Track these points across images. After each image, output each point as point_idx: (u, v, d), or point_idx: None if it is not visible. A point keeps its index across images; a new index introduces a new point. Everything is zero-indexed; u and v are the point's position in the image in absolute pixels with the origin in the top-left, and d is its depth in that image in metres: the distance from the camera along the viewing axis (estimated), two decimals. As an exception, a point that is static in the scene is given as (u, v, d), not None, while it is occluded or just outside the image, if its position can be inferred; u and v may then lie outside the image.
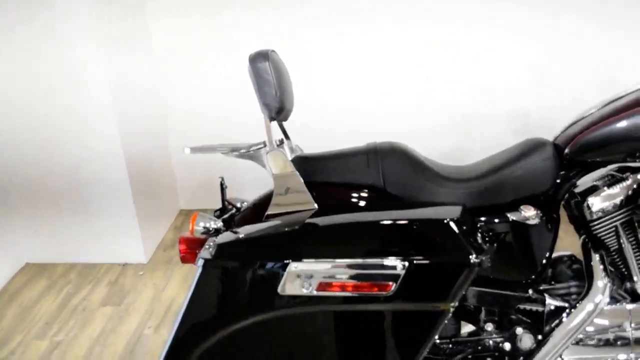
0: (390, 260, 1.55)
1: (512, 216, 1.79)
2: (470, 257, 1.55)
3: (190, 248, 1.92)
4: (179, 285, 3.17)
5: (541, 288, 1.89)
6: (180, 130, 3.80)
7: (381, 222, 1.59)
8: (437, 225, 1.57)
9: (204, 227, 1.85)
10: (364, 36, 3.53)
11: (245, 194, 2.15)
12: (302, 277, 1.58)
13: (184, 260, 1.95)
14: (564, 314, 1.81)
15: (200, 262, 1.63)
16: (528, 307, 1.86)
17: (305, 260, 1.57)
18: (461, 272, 1.56)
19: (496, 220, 1.79)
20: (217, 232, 1.85)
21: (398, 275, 1.56)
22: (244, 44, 3.47)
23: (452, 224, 1.56)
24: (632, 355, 1.85)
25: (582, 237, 1.89)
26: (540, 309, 1.85)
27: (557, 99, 3.56)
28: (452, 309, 1.60)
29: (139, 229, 3.36)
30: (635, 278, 1.85)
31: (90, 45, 2.93)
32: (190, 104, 3.74)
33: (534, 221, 1.79)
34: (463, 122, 3.70)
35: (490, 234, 1.76)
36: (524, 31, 3.47)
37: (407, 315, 1.62)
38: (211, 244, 1.72)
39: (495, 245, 1.70)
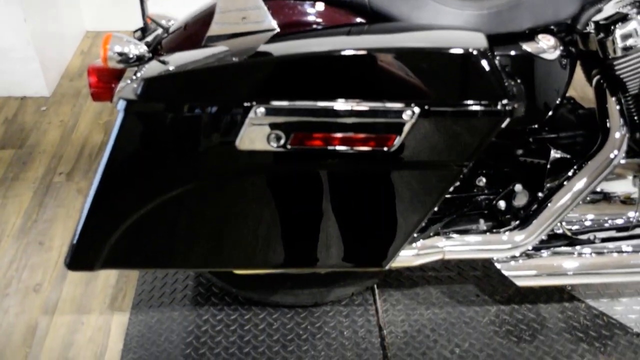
0: (396, 104, 1.14)
1: (527, 47, 1.41)
2: (501, 102, 1.17)
3: (104, 81, 1.46)
4: (91, 122, 2.67)
5: (543, 136, 1.58)
6: None
7: (384, 50, 1.15)
8: (460, 58, 1.16)
9: (121, 53, 1.35)
10: None
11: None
12: (271, 126, 1.15)
13: (95, 97, 1.49)
14: (571, 170, 1.52)
15: (122, 105, 1.16)
16: (528, 159, 1.56)
17: (274, 102, 1.14)
18: (486, 121, 1.19)
19: (506, 53, 1.40)
20: (140, 60, 1.37)
21: (404, 125, 1.16)
22: None
23: (479, 57, 1.15)
24: (636, 215, 1.63)
25: (596, 77, 1.55)
26: (542, 161, 1.55)
27: None
28: (464, 170, 1.25)
29: (36, 53, 2.74)
30: (649, 128, 1.57)
31: None
32: None
33: (552, 55, 1.43)
34: None
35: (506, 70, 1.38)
36: None
37: (407, 177, 1.25)
38: (135, 77, 1.25)
39: (522, 89, 1.33)
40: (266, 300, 1.76)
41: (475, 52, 1.15)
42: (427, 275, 1.90)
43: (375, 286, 1.84)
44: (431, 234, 1.49)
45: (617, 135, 1.50)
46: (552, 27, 1.45)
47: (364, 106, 1.14)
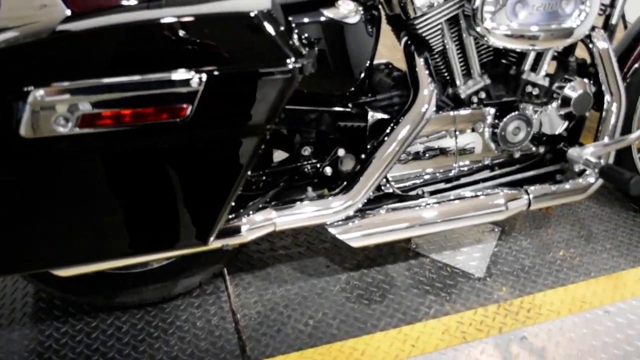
0: (181, 73, 1.13)
1: (328, 13, 1.46)
2: (288, 61, 1.19)
3: None
4: None
5: (361, 101, 1.64)
6: None
7: (163, 22, 1.14)
8: (241, 21, 1.16)
9: None
10: None
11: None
12: (55, 109, 1.10)
13: None
14: (388, 128, 1.59)
15: None
16: (349, 123, 1.61)
17: (54, 83, 1.08)
18: (278, 82, 1.20)
19: (307, 20, 1.44)
20: None
21: (194, 93, 1.15)
22: None
23: (261, 18, 1.16)
24: (456, 165, 1.74)
25: (404, 39, 1.64)
26: (362, 124, 1.61)
27: None
28: (268, 133, 1.26)
29: None
30: (458, 82, 1.70)
31: None
32: None
33: (353, 19, 1.49)
34: None
35: (302, 37, 1.41)
36: None
37: (211, 146, 1.24)
38: None
39: (314, 49, 1.36)
40: (111, 304, 1.68)
41: (255, 14, 1.16)
42: (277, 254, 1.91)
43: (226, 271, 1.82)
44: (260, 207, 1.50)
45: (426, 91, 1.58)
46: None
47: (149, 78, 1.11)
